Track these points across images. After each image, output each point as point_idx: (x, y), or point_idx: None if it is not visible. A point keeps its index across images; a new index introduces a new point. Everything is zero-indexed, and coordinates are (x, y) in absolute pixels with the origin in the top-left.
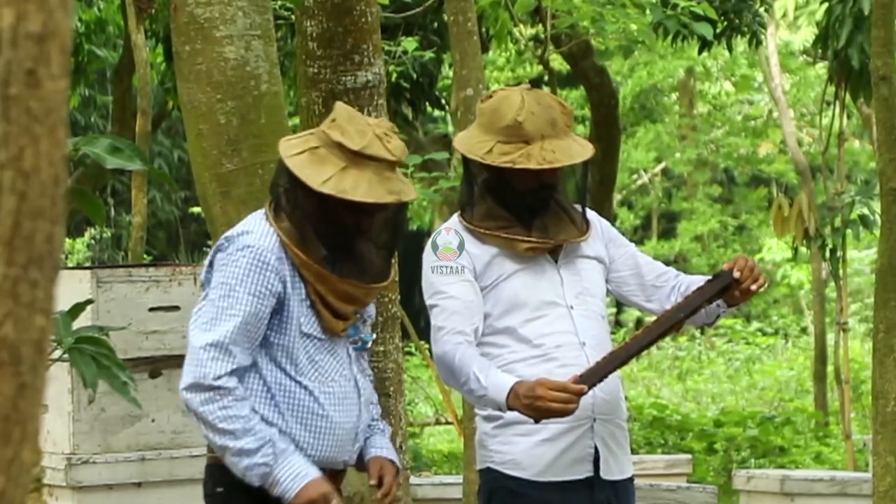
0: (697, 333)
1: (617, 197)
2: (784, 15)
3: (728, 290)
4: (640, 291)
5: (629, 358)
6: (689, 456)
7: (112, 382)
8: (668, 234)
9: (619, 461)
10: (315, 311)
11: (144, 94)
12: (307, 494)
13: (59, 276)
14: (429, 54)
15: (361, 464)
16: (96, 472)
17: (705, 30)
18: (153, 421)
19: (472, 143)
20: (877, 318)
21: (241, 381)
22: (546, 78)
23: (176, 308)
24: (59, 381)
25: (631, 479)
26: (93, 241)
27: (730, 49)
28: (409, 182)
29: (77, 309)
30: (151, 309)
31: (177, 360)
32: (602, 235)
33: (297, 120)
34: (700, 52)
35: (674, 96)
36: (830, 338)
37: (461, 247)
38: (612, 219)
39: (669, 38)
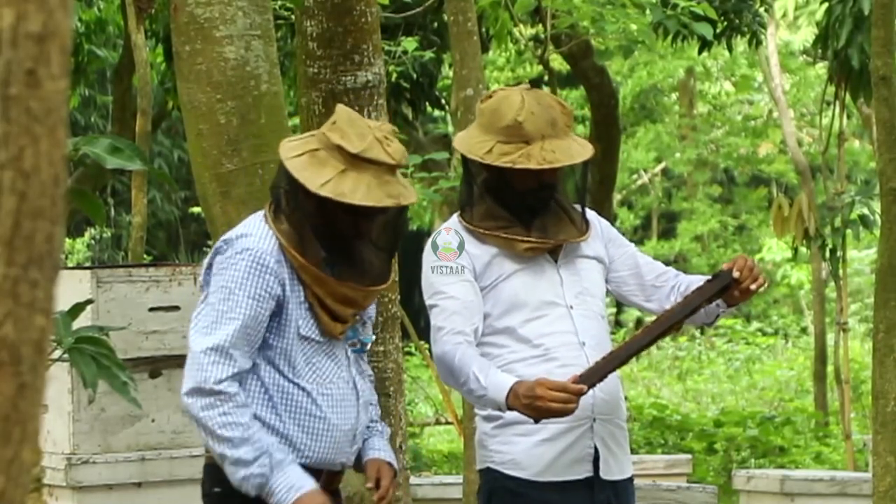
0: (697, 333)
1: (617, 197)
2: (784, 15)
3: (727, 290)
4: (640, 291)
5: (629, 358)
6: (689, 456)
7: (112, 382)
8: (668, 234)
9: (618, 461)
10: (313, 314)
11: (144, 94)
12: None
13: (59, 276)
14: (429, 54)
15: (360, 465)
16: (96, 472)
17: (705, 30)
18: (153, 421)
19: (471, 143)
20: (877, 318)
21: (242, 386)
22: (546, 78)
23: (176, 308)
24: (59, 381)
25: (631, 479)
26: (93, 241)
27: (730, 49)
28: (410, 185)
29: (77, 309)
30: (151, 309)
31: (177, 360)
32: (602, 235)
33: (297, 120)
34: (700, 52)
35: (674, 96)
36: (830, 338)
37: (461, 247)
38: (612, 219)
39: (669, 38)
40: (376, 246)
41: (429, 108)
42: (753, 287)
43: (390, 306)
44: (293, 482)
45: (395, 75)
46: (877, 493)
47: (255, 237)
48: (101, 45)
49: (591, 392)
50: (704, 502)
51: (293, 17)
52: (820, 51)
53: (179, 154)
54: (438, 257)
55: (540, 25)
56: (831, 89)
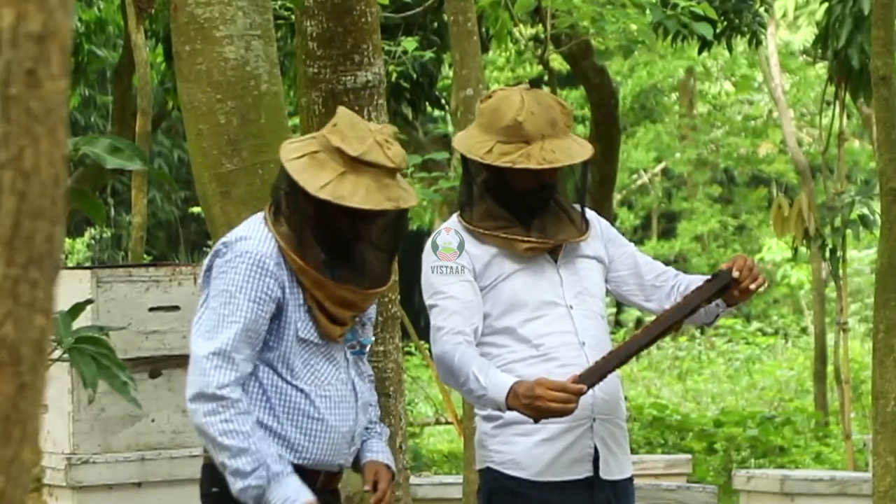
0: (697, 333)
1: (617, 197)
2: (784, 15)
3: (727, 290)
4: (640, 291)
5: (628, 357)
6: (689, 456)
7: (112, 382)
8: (668, 234)
9: (618, 461)
10: (312, 317)
11: (144, 94)
12: None
13: (59, 276)
14: (429, 54)
15: (358, 466)
16: (96, 472)
17: (705, 30)
18: (153, 421)
19: (471, 143)
20: (877, 318)
21: (245, 391)
22: (546, 78)
23: (176, 308)
24: (59, 381)
25: (630, 479)
26: (93, 241)
27: (730, 49)
28: (411, 188)
29: (77, 309)
30: (151, 309)
31: (177, 360)
32: (601, 235)
33: (297, 120)
34: (700, 52)
35: (674, 96)
36: (830, 338)
37: (461, 247)
38: (612, 219)
39: (669, 38)
40: (376, 247)
41: (429, 108)
42: (753, 287)
43: (390, 306)
44: (289, 494)
45: (395, 75)
46: (877, 493)
47: (254, 240)
48: (101, 45)
49: (590, 392)
50: (704, 502)
51: (293, 17)
52: (820, 51)
53: (179, 154)
54: (438, 257)
55: (540, 25)
56: (831, 89)
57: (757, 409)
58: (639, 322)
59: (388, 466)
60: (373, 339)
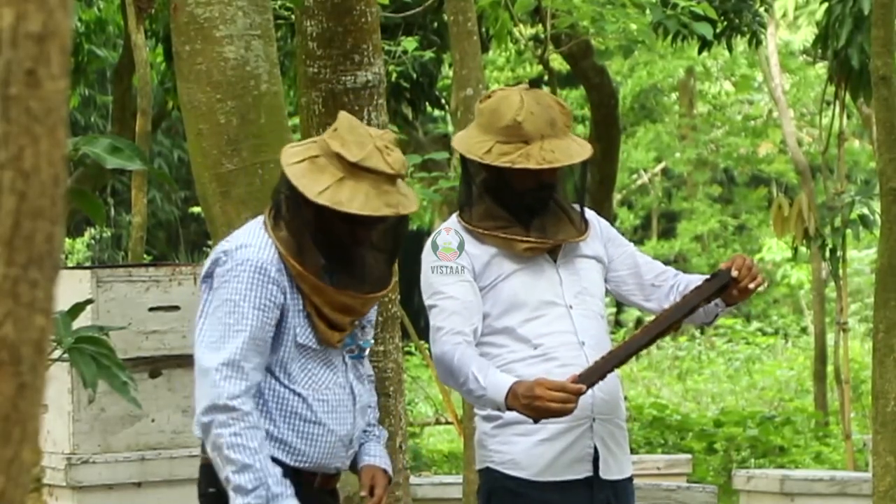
0: (697, 333)
1: (617, 197)
2: (784, 15)
3: (726, 290)
4: (639, 291)
5: (628, 357)
6: (689, 456)
7: (112, 382)
8: (668, 234)
9: (618, 461)
10: (311, 323)
11: (144, 94)
12: None
13: (59, 276)
14: (429, 54)
15: (356, 469)
16: (96, 472)
17: (705, 30)
18: (153, 421)
19: (471, 143)
20: (877, 318)
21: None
22: (546, 78)
23: (176, 308)
24: (59, 381)
25: (630, 479)
26: (93, 241)
27: (730, 49)
28: (411, 193)
29: (77, 309)
30: (151, 309)
31: (177, 360)
32: (601, 235)
33: (297, 120)
34: (700, 52)
35: (674, 96)
36: (830, 338)
37: (461, 247)
38: (611, 219)
39: (669, 38)
40: (376, 249)
41: (429, 108)
42: (752, 286)
43: (390, 306)
44: None
45: (395, 75)
46: (877, 493)
47: (254, 247)
48: (101, 45)
49: (590, 392)
50: (704, 502)
51: (293, 17)
52: (820, 51)
53: (179, 154)
54: (438, 257)
55: (540, 25)
56: (831, 89)
57: (757, 409)
58: (639, 322)
59: (384, 471)
60: (372, 341)
